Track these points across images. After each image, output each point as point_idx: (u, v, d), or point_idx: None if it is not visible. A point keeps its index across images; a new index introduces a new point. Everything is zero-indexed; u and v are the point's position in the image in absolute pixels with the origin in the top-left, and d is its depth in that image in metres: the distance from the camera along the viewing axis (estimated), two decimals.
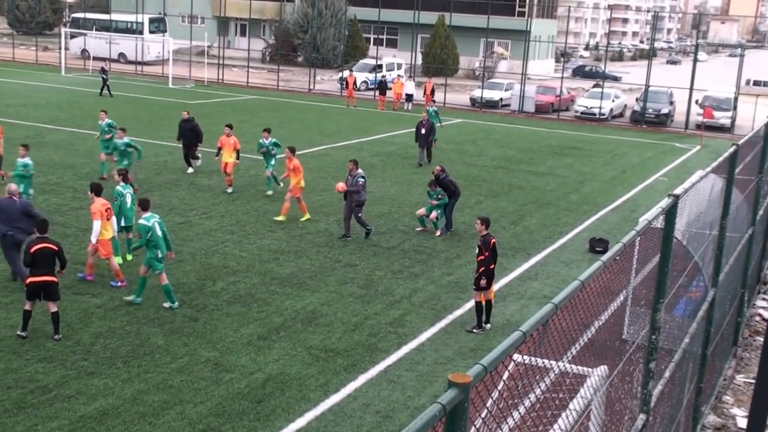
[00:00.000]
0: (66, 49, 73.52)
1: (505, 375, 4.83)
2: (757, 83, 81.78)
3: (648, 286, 9.22)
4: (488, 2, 67.46)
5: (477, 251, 17.85)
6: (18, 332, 15.96)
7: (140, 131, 40.10)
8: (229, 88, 66.31)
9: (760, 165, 16.52)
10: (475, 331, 17.82)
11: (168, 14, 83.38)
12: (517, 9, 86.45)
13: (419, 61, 77.15)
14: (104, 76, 55.20)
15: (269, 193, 28.24)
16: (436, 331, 17.82)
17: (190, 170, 31.38)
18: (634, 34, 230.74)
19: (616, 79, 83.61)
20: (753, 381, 14.65)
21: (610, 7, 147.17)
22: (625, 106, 62.28)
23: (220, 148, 28.97)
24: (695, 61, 59.27)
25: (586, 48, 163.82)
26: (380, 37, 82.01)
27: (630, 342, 8.91)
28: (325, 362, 15.85)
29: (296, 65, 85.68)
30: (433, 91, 57.40)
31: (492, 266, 17.74)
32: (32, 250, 15.93)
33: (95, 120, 31.20)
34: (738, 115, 56.70)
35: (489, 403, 4.68)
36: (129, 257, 20.67)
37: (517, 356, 5.13)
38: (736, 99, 56.93)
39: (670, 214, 8.45)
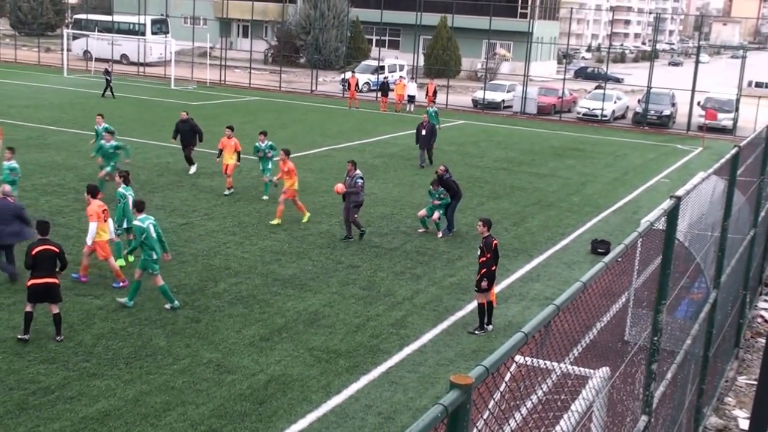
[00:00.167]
0: (68, 50, 73.62)
1: (507, 376, 4.83)
2: (759, 85, 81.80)
3: (650, 287, 9.23)
4: (490, 3, 67.46)
5: (479, 253, 17.84)
6: (19, 336, 15.89)
7: (142, 132, 40.16)
8: (232, 89, 66.34)
9: (762, 167, 16.52)
10: (476, 332, 17.82)
11: (170, 15, 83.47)
12: (519, 10, 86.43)
13: (421, 62, 77.22)
14: (108, 78, 55.21)
15: (265, 197, 28.13)
16: (437, 333, 17.81)
17: (192, 170, 31.42)
18: (636, 35, 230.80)
19: (618, 80, 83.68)
20: (755, 382, 14.65)
21: (612, 9, 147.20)
22: (627, 107, 62.28)
23: (221, 150, 28.94)
24: (697, 62, 59.24)
25: (588, 49, 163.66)
26: (382, 38, 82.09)
27: (632, 343, 8.90)
28: (327, 363, 15.85)
29: (298, 66, 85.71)
30: (435, 93, 57.51)
31: (493, 268, 17.74)
32: (33, 252, 15.90)
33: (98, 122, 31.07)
34: (740, 116, 56.71)
35: (491, 404, 4.68)
36: (131, 258, 20.66)
37: (518, 358, 5.14)
38: (738, 100, 56.95)
39: (672, 215, 8.45)
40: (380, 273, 21.45)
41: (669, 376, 9.75)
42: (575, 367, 7.50)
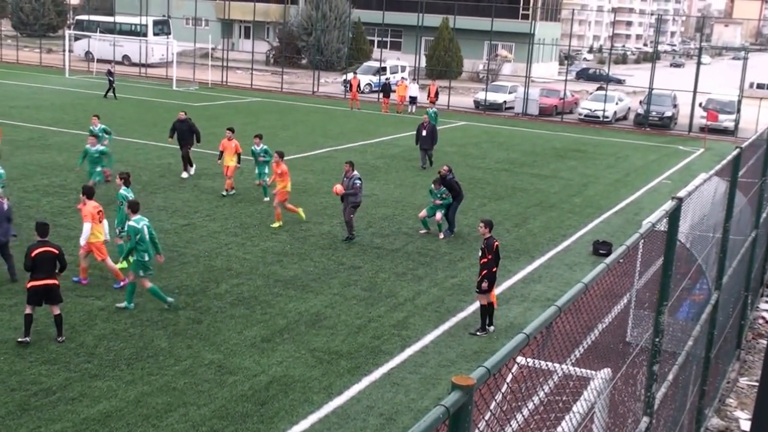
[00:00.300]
0: (70, 51, 73.64)
1: (509, 377, 4.84)
2: (760, 86, 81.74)
3: (651, 288, 9.22)
4: (492, 5, 67.52)
5: (480, 254, 17.84)
6: (19, 339, 15.82)
7: (144, 134, 40.18)
8: (233, 90, 66.38)
9: (764, 168, 16.51)
10: (478, 333, 17.82)
11: (172, 16, 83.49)
12: (520, 12, 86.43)
13: (423, 63, 77.23)
14: (111, 78, 55.23)
15: (266, 199, 28.02)
16: (439, 334, 17.81)
17: (185, 175, 30.98)
18: (638, 37, 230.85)
19: (619, 81, 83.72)
20: (756, 384, 14.65)
21: (614, 10, 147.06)
22: (629, 108, 62.29)
23: (221, 152, 28.86)
24: (699, 64, 59.19)
25: (590, 51, 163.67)
26: (384, 39, 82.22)
27: (633, 345, 8.91)
28: (328, 365, 15.85)
29: (300, 68, 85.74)
30: (437, 94, 57.51)
31: (494, 269, 17.74)
32: (33, 254, 15.86)
33: (100, 123, 31.06)
34: (741, 118, 56.69)
35: (492, 405, 4.69)
36: (131, 259, 20.64)
37: (520, 359, 5.15)
38: (739, 102, 56.94)
39: (674, 217, 8.45)
40: (382, 274, 21.46)
41: (670, 377, 9.75)
42: (577, 369, 7.51)
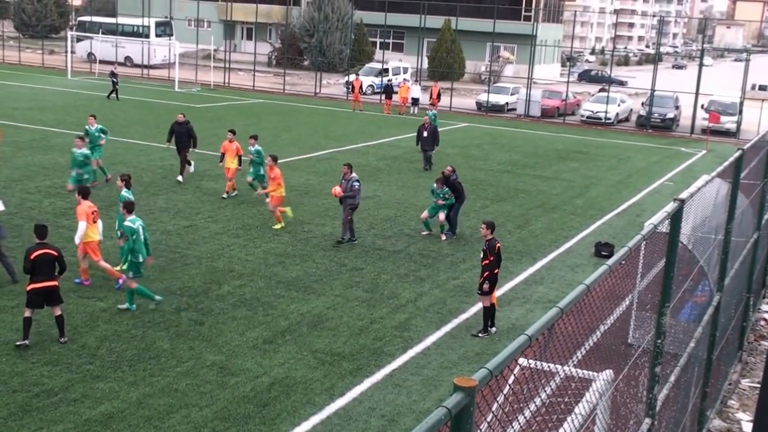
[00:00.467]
0: (72, 52, 73.69)
1: (511, 379, 4.84)
2: (762, 88, 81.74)
3: (653, 290, 9.23)
4: (494, 6, 67.54)
5: (482, 255, 17.84)
6: (17, 343, 15.75)
7: (145, 135, 40.20)
8: (236, 91, 66.43)
9: (766, 169, 16.52)
10: (480, 335, 17.82)
11: (174, 18, 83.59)
12: (523, 13, 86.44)
13: (425, 65, 77.23)
14: (114, 80, 55.25)
15: (257, 193, 27.75)
16: (441, 335, 17.81)
17: (180, 178, 30.54)
18: (640, 38, 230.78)
19: (621, 83, 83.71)
20: (758, 385, 14.64)
21: (616, 12, 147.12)
22: (631, 110, 62.28)
23: (223, 154, 28.78)
24: (701, 65, 59.20)
25: (592, 52, 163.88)
26: (386, 41, 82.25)
27: (635, 346, 8.91)
28: (330, 366, 15.85)
29: (302, 69, 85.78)
30: (439, 95, 57.51)
31: (496, 271, 17.74)
32: (32, 257, 15.79)
33: (101, 123, 31.00)
34: (743, 119, 56.68)
35: (494, 407, 4.69)
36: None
37: (522, 360, 5.15)
38: (741, 103, 56.92)
39: (676, 218, 8.46)
40: (384, 275, 21.46)
41: (672, 378, 9.75)
42: (579, 370, 7.51)
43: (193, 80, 68.55)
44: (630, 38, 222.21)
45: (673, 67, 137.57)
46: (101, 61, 74.49)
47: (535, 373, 5.73)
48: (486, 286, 17.58)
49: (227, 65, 71.92)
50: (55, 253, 16.08)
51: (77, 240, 18.84)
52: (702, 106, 56.73)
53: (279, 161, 25.68)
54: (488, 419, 4.56)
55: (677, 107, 58.72)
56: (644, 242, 7.56)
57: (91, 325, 17.01)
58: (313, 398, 14.48)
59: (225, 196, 28.40)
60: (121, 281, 18.93)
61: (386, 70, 70.41)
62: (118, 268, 19.60)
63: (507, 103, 62.84)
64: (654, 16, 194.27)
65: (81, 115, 45.44)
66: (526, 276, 22.35)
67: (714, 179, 11.26)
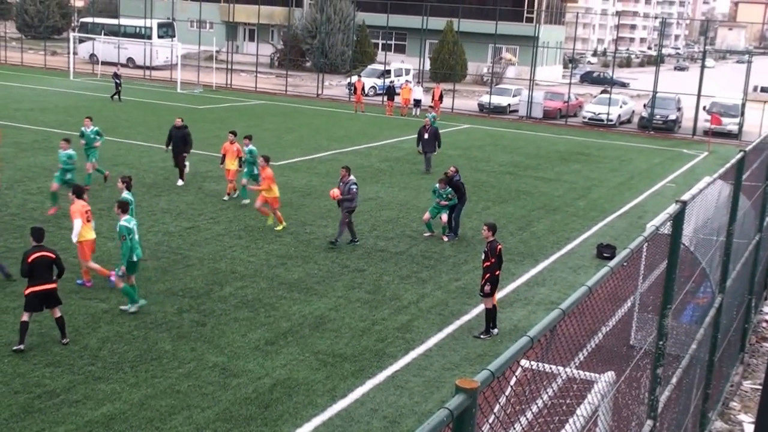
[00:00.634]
0: (74, 53, 73.72)
1: (513, 380, 4.84)
2: (764, 89, 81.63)
3: (655, 292, 9.23)
4: (496, 8, 67.53)
5: (483, 257, 17.84)
6: (14, 347, 15.68)
7: (148, 136, 40.21)
8: (238, 93, 66.46)
9: (767, 171, 16.51)
10: (482, 336, 17.82)
11: (176, 19, 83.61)
12: (525, 15, 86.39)
13: (427, 66, 77.23)
14: (117, 81, 55.26)
15: (246, 201, 27.62)
16: (443, 337, 17.81)
17: (180, 183, 30.32)
18: (642, 40, 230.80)
19: (623, 85, 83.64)
20: (760, 387, 14.63)
21: (618, 14, 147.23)
22: (633, 112, 62.24)
23: (223, 155, 28.69)
24: (703, 67, 59.19)
25: (594, 54, 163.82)
26: (389, 42, 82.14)
27: (637, 348, 8.91)
28: (332, 367, 15.86)
29: (305, 70, 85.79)
30: (441, 97, 57.50)
31: (497, 272, 17.73)
32: (30, 260, 15.67)
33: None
34: (745, 121, 56.65)
35: (496, 408, 4.69)
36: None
37: (524, 362, 5.15)
38: (743, 105, 56.90)
39: (678, 220, 8.46)
40: (386, 277, 21.46)
41: (674, 380, 9.75)
42: (581, 372, 7.51)
43: (196, 81, 68.59)
44: (632, 40, 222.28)
45: (675, 68, 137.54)
46: (103, 63, 74.50)
47: (537, 375, 5.74)
48: (487, 288, 17.58)
49: (229, 66, 71.94)
50: (53, 256, 15.96)
51: (74, 238, 18.79)
52: (704, 108, 56.71)
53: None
54: (490, 421, 4.56)
55: (679, 109, 58.70)
56: (646, 244, 7.56)
57: (93, 326, 17.01)
58: (315, 400, 14.49)
59: (227, 197, 28.40)
60: (112, 278, 18.86)
61: (388, 72, 70.41)
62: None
63: (509, 104, 62.85)
64: (656, 17, 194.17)
65: (83, 116, 45.32)
66: (528, 277, 22.35)
67: (716, 181, 11.26)
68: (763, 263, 18.49)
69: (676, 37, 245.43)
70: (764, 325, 19.58)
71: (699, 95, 56.62)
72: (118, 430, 13.05)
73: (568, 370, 6.40)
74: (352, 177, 23.91)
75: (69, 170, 25.61)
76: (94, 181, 28.46)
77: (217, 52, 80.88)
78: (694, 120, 56.42)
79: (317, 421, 13.79)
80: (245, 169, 28.07)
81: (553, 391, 6.88)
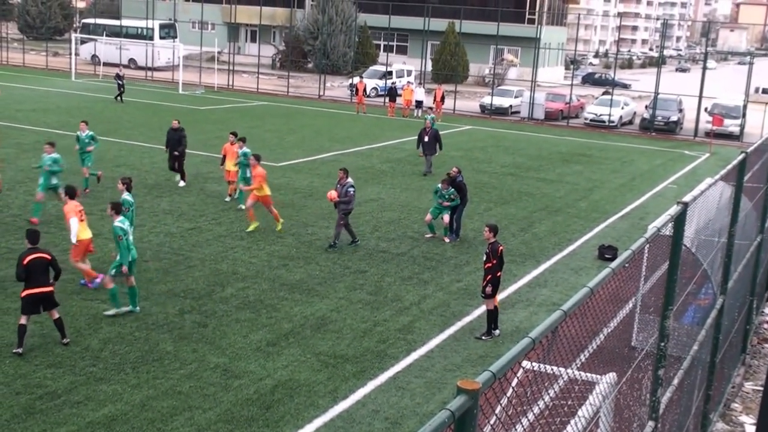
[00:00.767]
0: (76, 54, 73.73)
1: (514, 382, 4.85)
2: (765, 91, 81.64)
3: (657, 293, 9.23)
4: (498, 9, 67.56)
5: (485, 258, 17.83)
6: (13, 350, 15.62)
7: (150, 137, 40.20)
8: (239, 94, 66.46)
9: None
10: (484, 337, 17.81)
11: (178, 20, 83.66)
12: (526, 16, 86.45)
13: (429, 67, 77.23)
14: (119, 82, 55.26)
15: (241, 207, 27.49)
16: (445, 338, 17.81)
17: (182, 183, 30.31)
18: (644, 41, 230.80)
19: (625, 86, 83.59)
20: (761, 388, 14.63)
21: (620, 15, 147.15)
22: (635, 113, 62.24)
23: (224, 156, 28.64)
24: (704, 68, 59.21)
25: (596, 55, 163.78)
26: (390, 43, 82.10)
27: (639, 349, 8.92)
28: (334, 368, 15.86)
29: (306, 71, 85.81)
30: (443, 98, 57.48)
31: (498, 274, 17.73)
32: (25, 262, 15.57)
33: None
34: (747, 122, 56.65)
35: (498, 409, 4.69)
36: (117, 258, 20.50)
37: (526, 363, 5.15)
38: (745, 107, 56.88)
39: (679, 221, 8.46)
40: (387, 278, 21.46)
41: (676, 381, 9.75)
42: (582, 373, 7.52)
43: (197, 82, 68.62)
44: (633, 41, 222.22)
45: (677, 70, 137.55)
46: (105, 64, 74.53)
47: (539, 376, 5.74)
48: (489, 289, 17.58)
49: (231, 67, 71.98)
50: (49, 258, 15.86)
51: (73, 239, 18.75)
52: (705, 109, 56.72)
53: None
54: (491, 422, 4.57)
55: (681, 110, 58.71)
56: (648, 245, 7.56)
57: (95, 328, 17.01)
58: (316, 401, 14.49)
59: (228, 198, 28.39)
60: (97, 280, 18.83)
61: (390, 73, 70.44)
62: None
63: (511, 105, 62.83)
64: (657, 19, 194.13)
65: (85, 118, 45.47)
66: (529, 279, 22.34)
67: (717, 182, 11.26)
68: (764, 265, 18.48)
69: (678, 38, 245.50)
70: (765, 326, 19.57)
71: (700, 97, 56.63)
72: (119, 431, 13.04)
73: (569, 371, 6.40)
74: (349, 179, 23.89)
75: (55, 173, 25.08)
76: (92, 184, 28.44)
77: (219, 53, 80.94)
78: (696, 121, 56.42)
79: (319, 422, 13.79)
80: (239, 172, 27.85)
81: (555, 392, 6.88)
